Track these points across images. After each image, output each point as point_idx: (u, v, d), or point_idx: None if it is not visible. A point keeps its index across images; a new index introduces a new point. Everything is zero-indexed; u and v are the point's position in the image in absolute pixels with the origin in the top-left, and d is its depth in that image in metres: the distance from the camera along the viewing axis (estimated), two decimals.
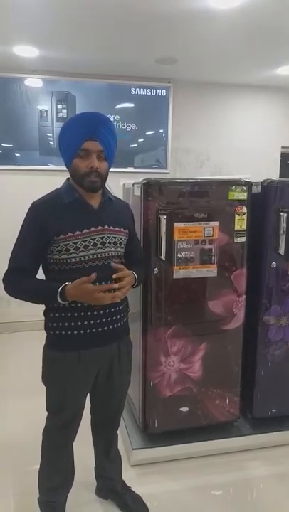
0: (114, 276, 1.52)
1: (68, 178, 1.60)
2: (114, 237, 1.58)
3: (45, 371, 1.63)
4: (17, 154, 4.00)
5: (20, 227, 1.55)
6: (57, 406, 1.63)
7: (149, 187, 2.02)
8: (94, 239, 1.52)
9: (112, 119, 4.06)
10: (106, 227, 1.56)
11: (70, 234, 1.49)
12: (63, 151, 1.55)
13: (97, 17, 2.73)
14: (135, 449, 2.20)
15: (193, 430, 2.27)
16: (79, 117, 1.60)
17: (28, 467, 2.06)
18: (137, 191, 2.10)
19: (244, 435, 2.35)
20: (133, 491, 1.94)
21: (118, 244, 1.60)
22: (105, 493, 1.95)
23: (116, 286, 1.50)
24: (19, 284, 1.52)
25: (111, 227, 1.57)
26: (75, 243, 1.49)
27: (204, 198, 2.08)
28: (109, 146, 1.53)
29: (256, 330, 2.28)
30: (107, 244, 1.55)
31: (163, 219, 2.00)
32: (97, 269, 1.50)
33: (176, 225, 2.03)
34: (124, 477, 1.96)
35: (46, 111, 3.96)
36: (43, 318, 1.62)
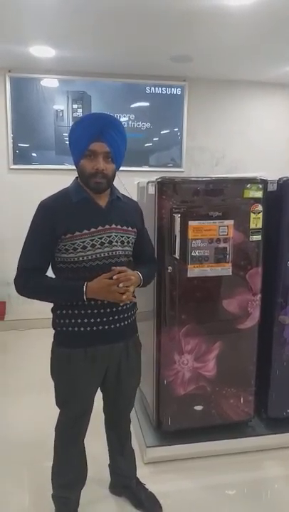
0: (114, 277, 1.50)
1: (77, 177, 1.60)
2: (122, 236, 1.59)
3: (53, 367, 1.64)
4: (34, 154, 4.05)
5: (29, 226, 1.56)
6: (64, 402, 1.65)
7: (164, 185, 2.02)
8: (101, 238, 1.53)
9: (126, 118, 4.08)
10: (113, 226, 1.56)
11: (77, 233, 1.51)
12: (72, 150, 1.56)
13: (112, 17, 2.74)
14: (149, 446, 2.21)
15: (207, 429, 2.26)
16: (86, 118, 1.62)
17: (43, 463, 2.08)
18: (151, 190, 2.11)
19: (259, 435, 2.33)
20: (147, 489, 1.95)
21: (126, 244, 1.60)
22: (119, 490, 1.96)
23: (119, 269, 1.51)
24: (36, 283, 1.54)
25: (118, 226, 1.58)
26: (83, 242, 1.51)
27: (219, 196, 2.07)
28: (117, 147, 1.52)
29: (271, 329, 2.26)
30: (114, 243, 1.56)
31: (177, 217, 2.00)
32: (104, 267, 1.52)
33: (191, 223, 2.03)
34: (137, 474, 1.97)
35: (62, 111, 3.99)
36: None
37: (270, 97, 4.39)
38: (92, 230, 1.52)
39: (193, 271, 2.07)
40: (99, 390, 1.72)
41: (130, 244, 1.63)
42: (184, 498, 2.01)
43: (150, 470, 2.15)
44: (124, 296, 1.51)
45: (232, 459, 2.24)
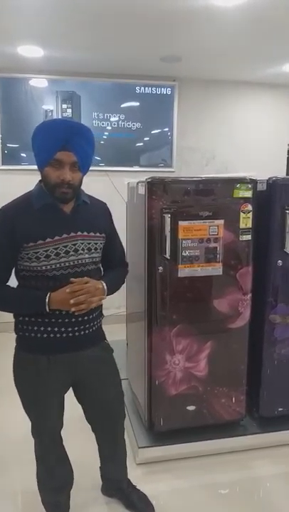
0: (68, 290, 1.42)
1: (40, 181, 1.51)
2: (89, 243, 1.51)
3: (15, 374, 1.57)
4: (23, 154, 4.01)
5: None
6: (29, 410, 1.59)
7: (153, 185, 2.01)
8: (66, 246, 1.45)
9: (116, 118, 4.07)
10: (79, 233, 1.48)
11: (40, 241, 1.42)
12: (35, 155, 1.46)
13: (101, 16, 2.73)
14: (141, 447, 2.20)
15: (199, 429, 2.26)
16: (52, 125, 1.50)
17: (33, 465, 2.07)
18: (142, 190, 2.10)
19: (250, 434, 2.34)
20: (139, 490, 1.94)
21: (93, 250, 1.53)
22: (111, 492, 1.95)
23: (86, 280, 1.44)
24: None
25: (85, 233, 1.50)
26: (46, 251, 1.43)
27: (209, 196, 2.08)
28: (85, 156, 1.45)
29: (262, 328, 2.27)
30: (80, 251, 1.48)
31: (167, 217, 2.00)
32: (69, 276, 1.45)
33: (181, 223, 2.03)
34: (130, 476, 1.96)
35: (51, 111, 3.97)
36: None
37: (260, 98, 4.41)
38: (56, 238, 1.44)
39: (184, 271, 2.07)
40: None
41: (98, 251, 1.56)
42: (177, 498, 2.01)
43: (142, 471, 2.15)
44: (83, 306, 1.43)
45: (224, 459, 2.25)
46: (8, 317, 1.54)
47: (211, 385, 2.22)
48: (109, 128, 4.06)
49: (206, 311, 2.16)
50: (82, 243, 1.49)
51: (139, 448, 2.20)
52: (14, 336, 1.58)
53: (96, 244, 1.55)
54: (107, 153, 3.98)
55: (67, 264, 1.46)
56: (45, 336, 1.49)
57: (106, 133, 4.05)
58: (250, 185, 2.11)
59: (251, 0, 2.47)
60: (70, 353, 1.54)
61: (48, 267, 1.44)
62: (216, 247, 2.09)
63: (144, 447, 2.21)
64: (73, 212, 1.51)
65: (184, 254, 2.05)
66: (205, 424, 2.27)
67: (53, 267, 1.45)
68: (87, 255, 1.51)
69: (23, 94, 3.89)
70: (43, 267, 1.44)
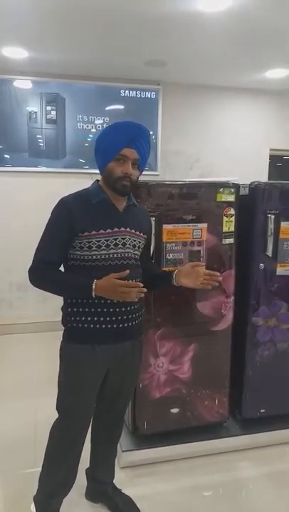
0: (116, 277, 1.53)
1: (97, 180, 1.67)
2: (134, 240, 1.64)
3: (61, 366, 1.66)
4: (6, 156, 3.97)
5: (46, 221, 1.60)
6: (70, 402, 1.66)
7: (138, 189, 2.02)
8: (116, 239, 1.58)
9: (101, 121, 4.08)
10: (128, 229, 1.62)
11: (94, 232, 1.55)
12: (100, 153, 1.62)
13: (86, 19, 2.74)
14: (125, 451, 2.19)
15: (182, 431, 2.27)
16: (123, 124, 1.65)
17: (22, 469, 2.04)
18: None
19: (233, 436, 2.36)
20: (123, 493, 1.94)
21: (136, 248, 1.66)
22: (96, 496, 1.95)
23: (141, 285, 1.54)
24: (48, 274, 1.59)
25: (132, 230, 1.64)
26: (98, 241, 1.55)
27: (193, 200, 2.10)
28: (144, 156, 1.62)
29: (245, 331, 2.29)
30: (128, 246, 1.61)
31: (152, 221, 2.00)
32: (116, 268, 1.56)
33: (165, 226, 2.04)
34: (114, 479, 1.95)
35: (35, 112, 3.94)
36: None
37: (244, 103, 4.48)
38: (108, 230, 1.57)
39: None
40: None
41: (140, 249, 1.69)
42: (161, 501, 2.01)
43: (127, 474, 2.14)
44: (128, 295, 1.52)
45: (208, 461, 2.26)
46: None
47: (194, 387, 2.24)
48: (93, 130, 4.06)
49: (190, 314, 2.18)
50: (129, 238, 1.62)
51: (123, 451, 2.19)
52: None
53: (140, 242, 1.68)
54: (91, 155, 3.97)
55: (114, 255, 1.58)
56: (91, 326, 1.59)
57: (91, 135, 4.04)
58: (232, 190, 2.14)
59: (236, 7, 2.52)
60: (112, 345, 1.63)
61: (98, 256, 1.56)
62: (200, 251, 2.11)
63: (128, 450, 2.20)
64: (125, 210, 1.66)
65: (168, 257, 2.06)
66: (188, 427, 2.28)
67: (102, 257, 1.56)
68: (131, 250, 1.63)
69: (6, 95, 3.86)
70: (94, 257, 1.56)
